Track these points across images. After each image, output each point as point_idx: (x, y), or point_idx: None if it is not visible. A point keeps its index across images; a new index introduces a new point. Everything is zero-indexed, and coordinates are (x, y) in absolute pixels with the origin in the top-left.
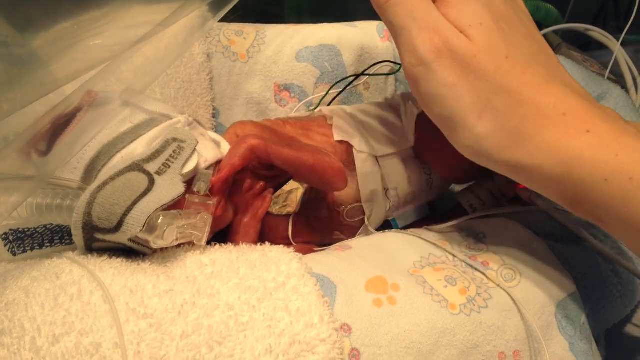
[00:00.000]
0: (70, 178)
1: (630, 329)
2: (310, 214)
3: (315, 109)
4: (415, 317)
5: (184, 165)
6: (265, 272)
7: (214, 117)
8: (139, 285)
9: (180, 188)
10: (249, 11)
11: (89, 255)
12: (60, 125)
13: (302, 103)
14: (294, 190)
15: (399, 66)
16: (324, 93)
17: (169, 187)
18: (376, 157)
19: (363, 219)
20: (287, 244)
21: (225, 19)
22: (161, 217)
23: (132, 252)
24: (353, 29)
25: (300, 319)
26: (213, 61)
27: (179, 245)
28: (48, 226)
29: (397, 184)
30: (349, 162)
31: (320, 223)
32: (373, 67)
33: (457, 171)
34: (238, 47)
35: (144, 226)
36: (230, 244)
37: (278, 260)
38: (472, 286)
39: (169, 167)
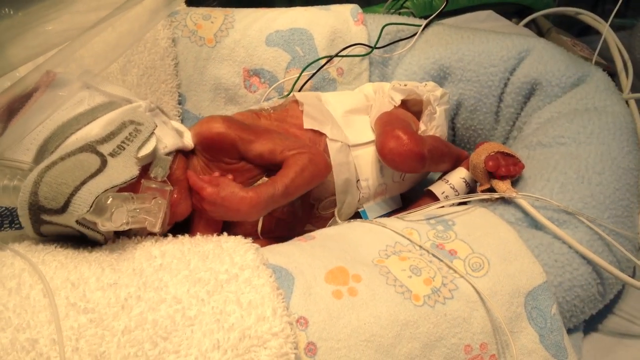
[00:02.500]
0: (22, 159)
1: (612, 320)
2: (284, 208)
3: (288, 95)
4: (376, 308)
5: (140, 148)
6: (218, 264)
7: (180, 103)
8: (82, 279)
9: (134, 171)
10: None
11: (35, 247)
12: (16, 105)
13: (272, 88)
14: None
15: (371, 49)
16: (295, 76)
17: (121, 169)
18: (349, 147)
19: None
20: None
21: (207, 5)
22: (110, 199)
23: (82, 242)
24: (326, 12)
25: (251, 313)
26: (178, 46)
27: (131, 236)
28: None
29: (369, 175)
30: (325, 151)
31: (295, 218)
32: (346, 50)
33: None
34: (205, 31)
35: (91, 206)
36: (185, 236)
37: (233, 251)
38: (438, 276)
39: (124, 149)
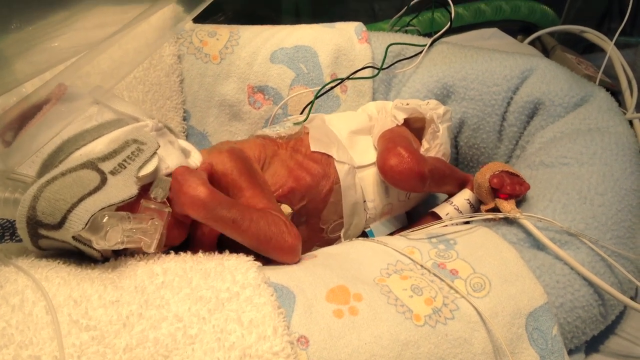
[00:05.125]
0: (26, 173)
1: (614, 341)
2: None
3: (303, 122)
4: (377, 328)
5: (141, 167)
6: (219, 282)
7: (184, 120)
8: (85, 296)
9: (133, 190)
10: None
11: (38, 262)
12: (28, 116)
13: (279, 107)
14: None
15: (378, 71)
16: (298, 94)
17: (120, 188)
18: (355, 168)
19: None
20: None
21: (213, 21)
22: (106, 217)
23: (84, 258)
24: (330, 30)
25: (252, 331)
26: (184, 63)
27: (133, 254)
28: None
29: (375, 196)
30: (337, 177)
31: (302, 241)
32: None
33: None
34: (210, 49)
35: (86, 224)
36: (188, 253)
37: (234, 269)
38: (439, 296)
39: (125, 167)
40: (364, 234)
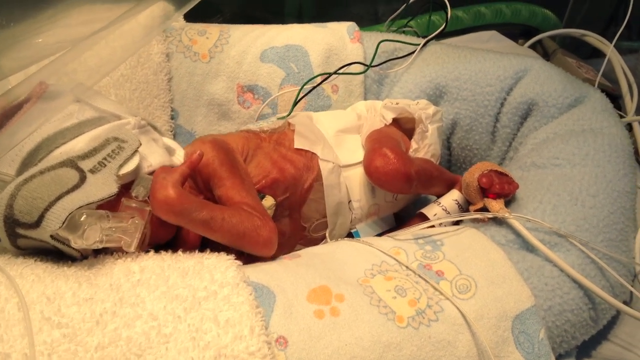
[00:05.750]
0: (5, 171)
1: (606, 346)
2: None
3: (287, 115)
4: (358, 329)
5: (121, 166)
6: (197, 280)
7: (172, 118)
8: (58, 293)
9: (113, 188)
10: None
11: (14, 260)
12: (8, 115)
13: (265, 104)
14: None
15: (367, 67)
16: (288, 91)
17: (100, 186)
18: (340, 167)
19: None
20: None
21: (210, 21)
22: (84, 216)
23: (62, 256)
24: (322, 30)
25: (228, 331)
26: (172, 61)
27: (112, 252)
28: None
29: (360, 196)
30: (319, 174)
31: (283, 237)
32: (342, 69)
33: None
34: (199, 47)
35: (63, 223)
36: (168, 252)
37: (213, 268)
38: (423, 298)
39: (105, 166)
40: (350, 235)
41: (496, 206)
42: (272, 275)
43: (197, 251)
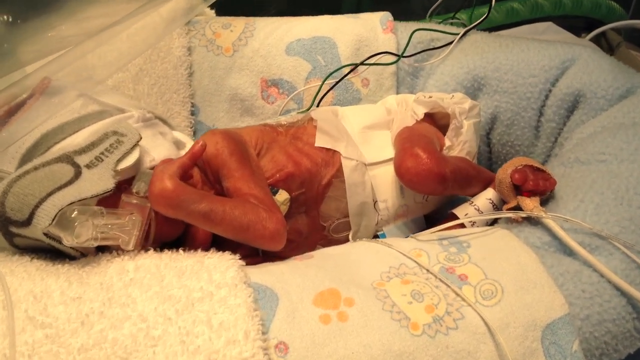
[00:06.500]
0: (6, 169)
1: None
2: (288, 225)
3: (307, 110)
4: (367, 336)
5: (120, 160)
6: (194, 281)
7: (193, 114)
8: (47, 291)
9: (108, 184)
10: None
11: (11, 257)
12: (10, 111)
13: (290, 97)
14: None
15: (398, 57)
16: (314, 86)
17: (95, 182)
18: (365, 165)
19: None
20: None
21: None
22: (75, 212)
23: (60, 254)
24: (353, 20)
25: (222, 335)
26: (194, 55)
27: (112, 251)
28: None
29: (388, 196)
30: (339, 170)
31: (300, 236)
32: (372, 59)
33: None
34: (223, 40)
35: (53, 219)
36: (170, 251)
37: (213, 268)
38: (442, 303)
39: (102, 160)
40: (376, 238)
41: (530, 205)
42: (278, 276)
43: (200, 250)
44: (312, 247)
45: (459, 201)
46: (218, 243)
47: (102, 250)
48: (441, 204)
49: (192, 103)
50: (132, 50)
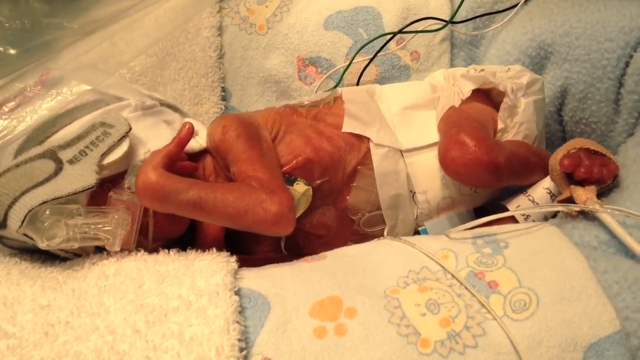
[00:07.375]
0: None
1: None
2: (312, 220)
3: (335, 87)
4: (367, 354)
5: (106, 154)
6: (174, 287)
7: (224, 99)
8: (19, 298)
9: (89, 180)
10: None
11: (2, 259)
12: (9, 102)
13: (326, 75)
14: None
15: (446, 23)
16: (350, 64)
17: (75, 178)
18: (401, 152)
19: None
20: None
21: None
22: (47, 212)
23: (52, 256)
24: None
25: (192, 350)
26: (225, 35)
27: (112, 254)
28: None
29: (427, 186)
30: (367, 157)
31: (329, 231)
32: (414, 25)
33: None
34: (257, 18)
35: (23, 221)
36: (153, 253)
37: (199, 272)
38: (461, 316)
39: (86, 155)
40: (417, 234)
41: (583, 196)
42: (275, 281)
43: (196, 250)
44: (343, 244)
45: (516, 190)
46: (237, 239)
47: (101, 251)
48: (494, 195)
49: (222, 87)
50: (158, 32)
